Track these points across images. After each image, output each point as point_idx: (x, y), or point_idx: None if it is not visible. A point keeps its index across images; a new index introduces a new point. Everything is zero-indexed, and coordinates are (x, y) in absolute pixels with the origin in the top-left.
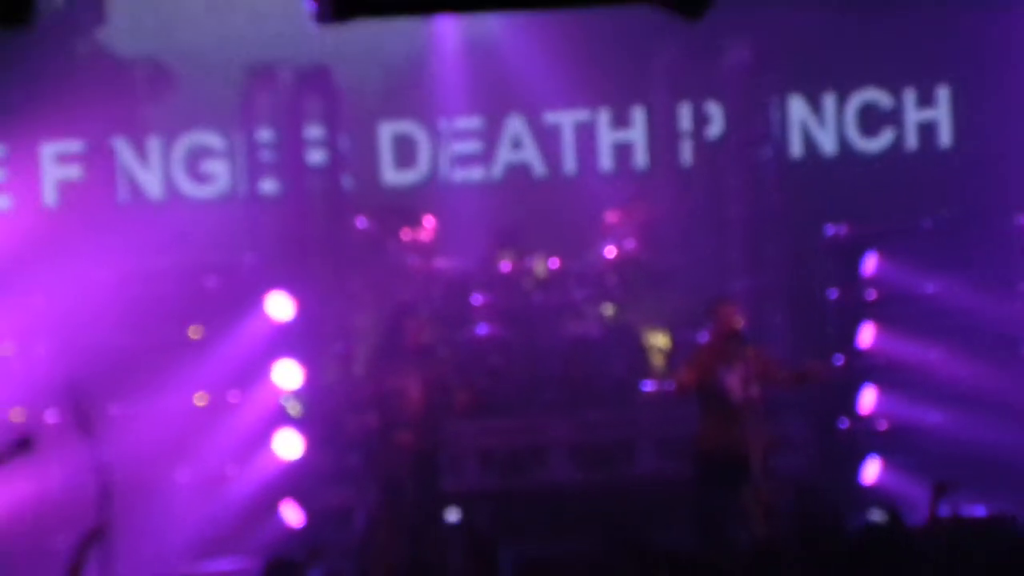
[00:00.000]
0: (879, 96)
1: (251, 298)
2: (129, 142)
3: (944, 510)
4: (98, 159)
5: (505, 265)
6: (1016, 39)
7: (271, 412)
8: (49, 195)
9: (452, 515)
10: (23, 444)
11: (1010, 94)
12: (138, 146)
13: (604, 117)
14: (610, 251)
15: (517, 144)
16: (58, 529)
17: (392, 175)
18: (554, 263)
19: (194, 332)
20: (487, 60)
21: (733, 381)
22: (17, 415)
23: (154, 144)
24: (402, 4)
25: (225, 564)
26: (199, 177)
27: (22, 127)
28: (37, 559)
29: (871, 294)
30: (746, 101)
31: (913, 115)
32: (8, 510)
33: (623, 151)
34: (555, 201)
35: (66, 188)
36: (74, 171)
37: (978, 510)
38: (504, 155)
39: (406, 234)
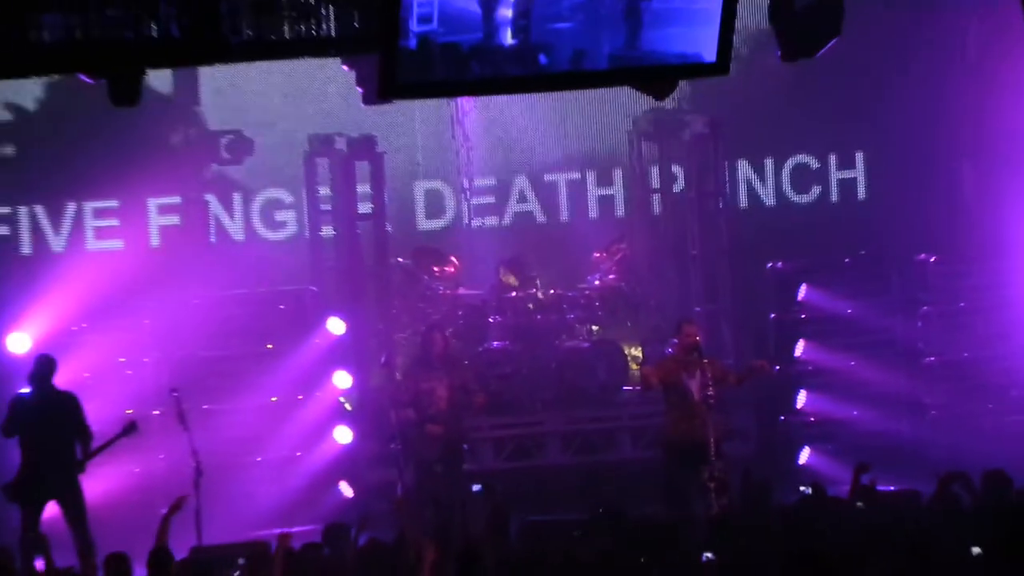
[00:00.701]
0: (809, 160)
1: (313, 319)
2: (217, 196)
3: (862, 484)
4: (193, 210)
5: (513, 292)
6: (914, 117)
7: (330, 409)
8: (154, 238)
9: (476, 487)
10: (129, 428)
11: (910, 159)
12: (225, 199)
13: (591, 176)
14: (596, 282)
15: (523, 198)
16: (162, 501)
17: (424, 222)
18: (552, 291)
19: (269, 346)
20: (500, 132)
21: (693, 384)
22: (130, 412)
23: (237, 198)
24: (431, 89)
25: (293, 529)
26: (273, 224)
27: (134, 185)
28: (144, 524)
29: (803, 315)
30: (703, 163)
31: (835, 175)
32: (122, 486)
33: (606, 203)
34: (553, 242)
35: (167, 233)
36: (174, 219)
37: (888, 487)
38: (512, 206)
39: (435, 269)
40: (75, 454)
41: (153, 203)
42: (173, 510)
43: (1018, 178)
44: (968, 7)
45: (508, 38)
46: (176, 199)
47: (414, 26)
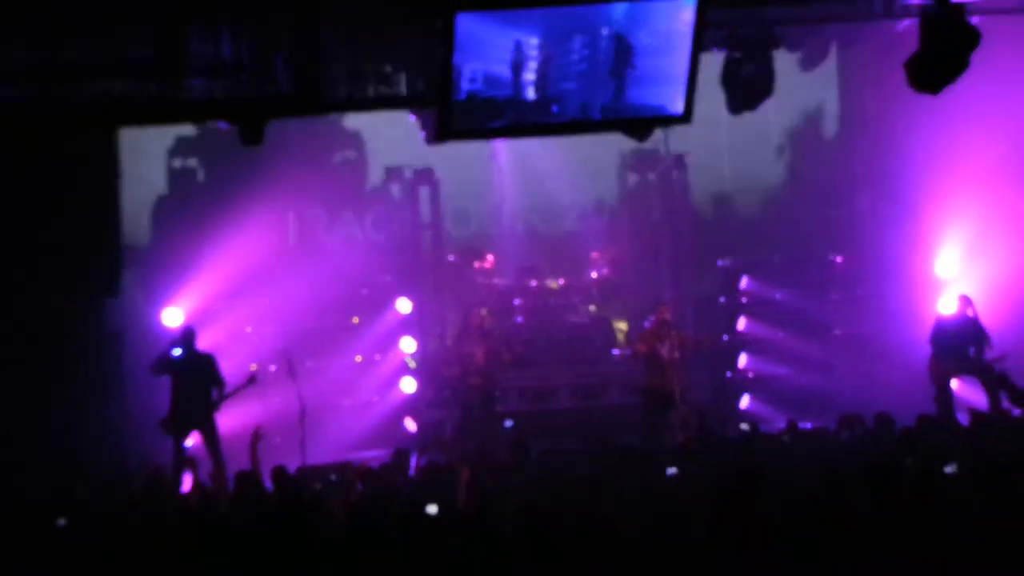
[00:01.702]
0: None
1: (387, 300)
2: (324, 210)
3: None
4: (303, 220)
5: (532, 282)
6: (829, 159)
7: (399, 365)
8: (274, 239)
9: (508, 423)
10: (252, 380)
11: (825, 189)
12: (335, 213)
13: (591, 197)
14: (593, 275)
15: (542, 212)
16: (276, 432)
17: (470, 230)
18: (561, 281)
19: (355, 319)
20: (524, 165)
21: (664, 349)
22: (253, 367)
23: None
24: (475, 133)
25: (370, 453)
26: (360, 231)
27: (277, 201)
28: (263, 451)
29: (744, 299)
30: (672, 189)
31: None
32: (247, 421)
33: (602, 217)
34: (562, 245)
35: (285, 234)
36: (287, 227)
37: (807, 425)
38: (534, 218)
39: (476, 264)
40: (211, 398)
41: (273, 214)
42: (255, 439)
43: (897, 203)
44: (867, 81)
45: (531, 94)
46: (291, 211)
47: (465, 85)
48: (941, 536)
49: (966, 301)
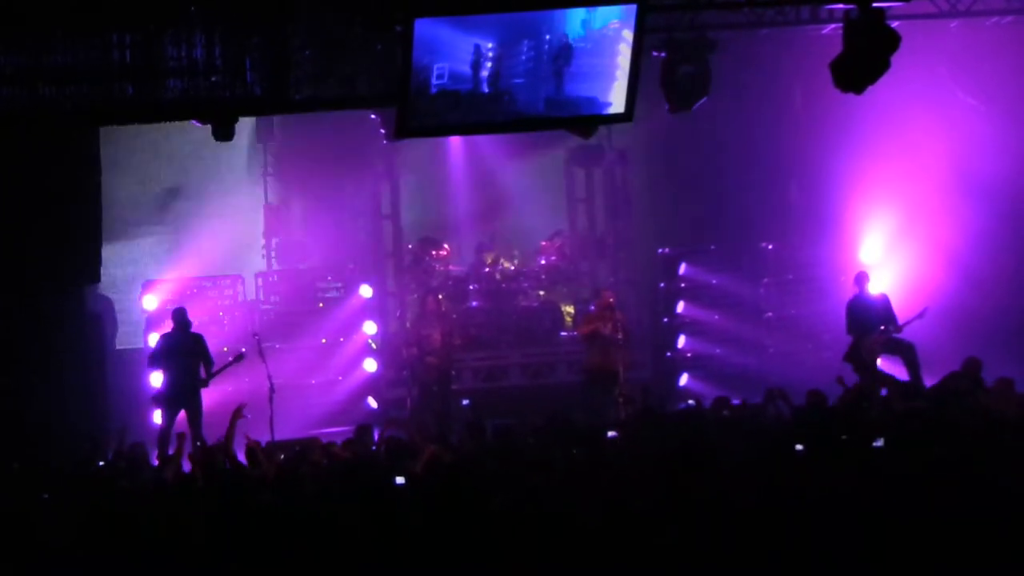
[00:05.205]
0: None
1: (352, 286)
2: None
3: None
4: (272, 215)
5: (487, 269)
6: (759, 149)
7: (362, 347)
8: (241, 234)
9: (465, 401)
10: (239, 357)
11: (755, 178)
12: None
13: (540, 189)
14: (542, 262)
15: (495, 203)
16: (246, 410)
17: (426, 220)
18: (512, 267)
19: (320, 304)
20: (479, 158)
21: (608, 331)
22: (225, 350)
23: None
24: (429, 130)
25: (335, 429)
26: (327, 222)
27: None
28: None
29: (683, 285)
30: (615, 182)
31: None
32: (220, 400)
33: (551, 208)
34: (514, 234)
35: (252, 229)
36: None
37: (739, 401)
38: (488, 210)
39: (433, 252)
40: (200, 375)
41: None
42: (236, 416)
43: (826, 191)
44: (796, 73)
45: (486, 87)
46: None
47: (434, 80)
48: (871, 504)
49: (865, 277)
